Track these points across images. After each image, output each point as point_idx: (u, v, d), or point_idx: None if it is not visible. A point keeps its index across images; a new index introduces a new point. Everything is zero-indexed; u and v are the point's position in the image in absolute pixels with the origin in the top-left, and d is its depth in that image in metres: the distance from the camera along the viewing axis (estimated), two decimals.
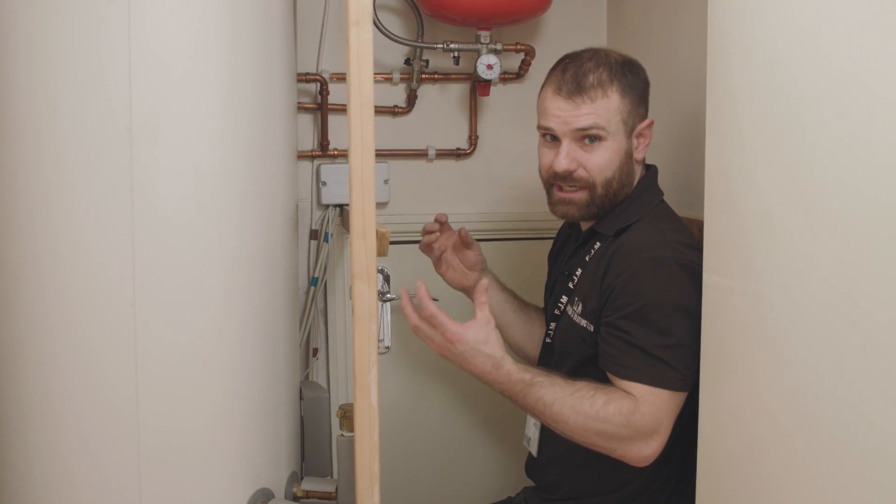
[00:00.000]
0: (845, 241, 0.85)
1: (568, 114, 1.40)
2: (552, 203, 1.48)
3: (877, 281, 0.81)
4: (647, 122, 1.45)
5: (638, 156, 1.46)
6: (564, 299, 1.51)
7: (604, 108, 1.40)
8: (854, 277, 0.84)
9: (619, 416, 1.28)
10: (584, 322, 1.41)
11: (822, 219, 0.88)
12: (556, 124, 1.42)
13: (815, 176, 0.89)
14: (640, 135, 1.45)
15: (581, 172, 1.42)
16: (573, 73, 1.41)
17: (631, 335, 1.30)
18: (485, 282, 1.39)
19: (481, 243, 1.67)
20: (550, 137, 1.45)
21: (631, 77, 1.44)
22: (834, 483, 0.88)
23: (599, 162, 1.41)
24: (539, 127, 1.47)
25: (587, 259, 1.47)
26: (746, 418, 1.03)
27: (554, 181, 1.46)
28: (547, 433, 1.53)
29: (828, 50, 0.88)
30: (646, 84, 1.47)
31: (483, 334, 1.33)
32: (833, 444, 0.87)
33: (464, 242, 1.66)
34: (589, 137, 1.41)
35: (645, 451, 1.29)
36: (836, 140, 0.86)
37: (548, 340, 1.55)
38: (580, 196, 1.44)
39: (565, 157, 1.41)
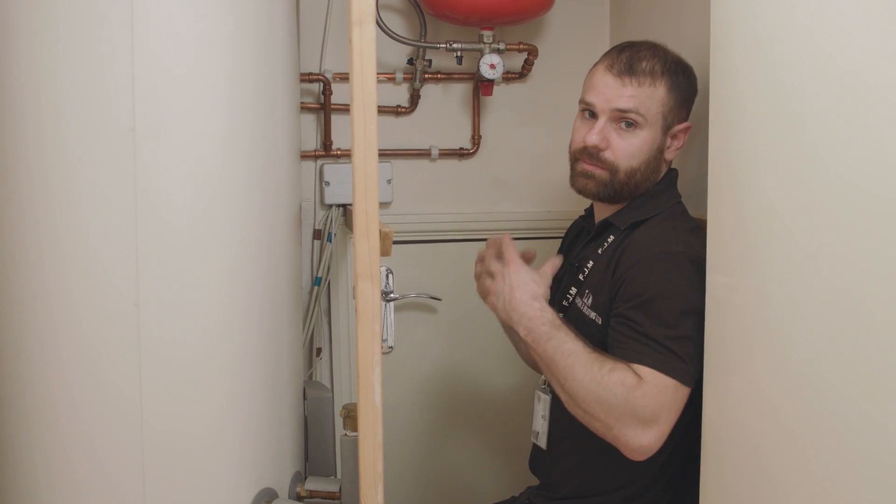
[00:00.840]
0: (847, 239, 0.85)
1: (612, 92, 1.42)
2: (574, 176, 1.49)
3: (878, 279, 0.81)
4: (685, 124, 1.47)
5: (668, 155, 1.48)
6: (573, 290, 1.51)
7: (648, 96, 1.42)
8: (856, 275, 0.84)
9: (620, 387, 1.24)
10: (593, 315, 1.41)
11: (825, 217, 0.88)
12: (599, 100, 1.43)
13: (818, 174, 0.89)
14: (675, 136, 1.47)
15: (608, 154, 1.43)
16: (629, 55, 1.44)
17: (640, 325, 1.30)
18: (556, 261, 1.44)
19: (483, 243, 1.66)
20: (589, 114, 1.47)
21: (682, 77, 1.46)
22: (837, 479, 0.88)
23: (629, 149, 1.43)
24: (581, 101, 1.49)
25: (599, 252, 1.47)
26: (749, 416, 1.03)
27: (580, 156, 1.47)
28: (554, 428, 1.53)
29: (830, 48, 0.88)
30: (693, 90, 1.48)
31: (536, 276, 1.38)
32: (836, 441, 0.87)
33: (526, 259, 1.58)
34: (626, 122, 1.42)
35: (642, 438, 1.24)
36: (838, 138, 0.86)
37: None
38: (601, 174, 1.44)
39: (597, 133, 1.43)
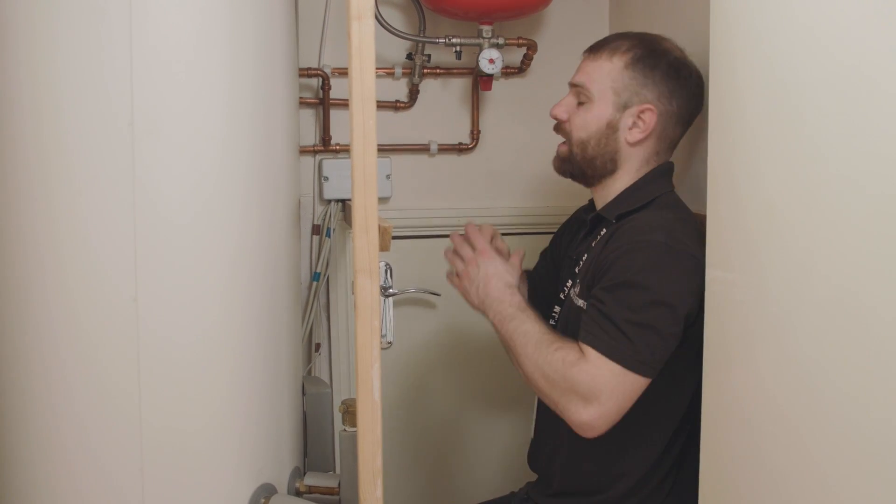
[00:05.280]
0: (847, 235, 0.85)
1: (578, 68, 1.50)
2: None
3: (879, 275, 0.81)
4: (643, 106, 1.42)
5: (628, 137, 1.44)
6: (569, 283, 1.52)
7: (598, 69, 1.45)
8: (856, 271, 0.84)
9: (560, 363, 1.30)
10: (580, 302, 1.42)
11: (824, 212, 0.88)
12: (572, 76, 1.51)
13: (817, 170, 0.89)
14: (635, 117, 1.43)
15: (567, 126, 1.50)
16: (609, 38, 1.50)
17: (604, 304, 1.31)
18: (521, 251, 1.56)
19: None
20: None
21: (651, 59, 1.43)
22: (837, 475, 0.88)
23: (578, 122, 1.48)
24: None
25: (593, 245, 1.48)
26: (749, 412, 1.03)
27: (556, 132, 1.54)
28: (541, 416, 1.54)
29: (829, 45, 0.88)
30: (667, 75, 1.44)
31: (509, 266, 1.49)
32: (836, 437, 0.87)
33: (499, 251, 1.59)
34: (581, 95, 1.48)
35: (582, 414, 1.27)
36: (837, 134, 0.86)
37: (552, 323, 1.56)
38: (563, 150, 1.52)
39: (560, 105, 1.50)
